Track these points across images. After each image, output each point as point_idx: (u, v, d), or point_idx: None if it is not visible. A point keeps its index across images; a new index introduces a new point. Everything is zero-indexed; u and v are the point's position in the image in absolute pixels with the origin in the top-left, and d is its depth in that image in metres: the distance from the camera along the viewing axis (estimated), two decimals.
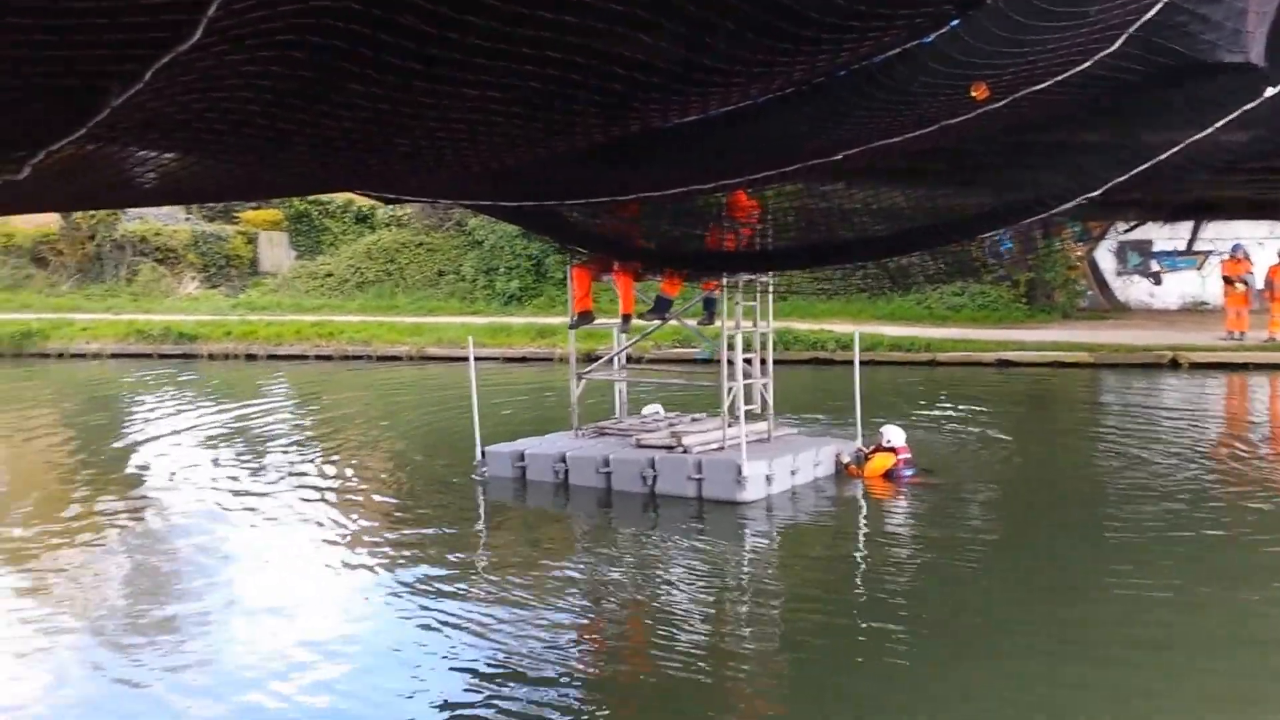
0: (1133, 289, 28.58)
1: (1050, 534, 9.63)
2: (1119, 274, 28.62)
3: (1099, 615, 7.36)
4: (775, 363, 19.40)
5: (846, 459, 11.67)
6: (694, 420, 12.10)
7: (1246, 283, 23.00)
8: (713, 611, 7.65)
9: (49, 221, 33.42)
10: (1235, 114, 6.97)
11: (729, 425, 11.06)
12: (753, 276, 11.15)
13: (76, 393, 20.88)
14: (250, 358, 24.82)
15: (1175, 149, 7.31)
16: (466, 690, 6.27)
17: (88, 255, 33.87)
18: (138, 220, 34.23)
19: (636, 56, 3.36)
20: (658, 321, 12.19)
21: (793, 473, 11.08)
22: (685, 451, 10.80)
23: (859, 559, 9.15)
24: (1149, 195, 9.39)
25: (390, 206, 31.68)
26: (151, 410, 17.86)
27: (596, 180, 6.46)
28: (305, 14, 2.74)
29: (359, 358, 24.06)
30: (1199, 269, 27.98)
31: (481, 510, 10.95)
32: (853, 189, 8.91)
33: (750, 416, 11.31)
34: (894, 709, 6.02)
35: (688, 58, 3.40)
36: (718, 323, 11.74)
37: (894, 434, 11.67)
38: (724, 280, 11.10)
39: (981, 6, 3.62)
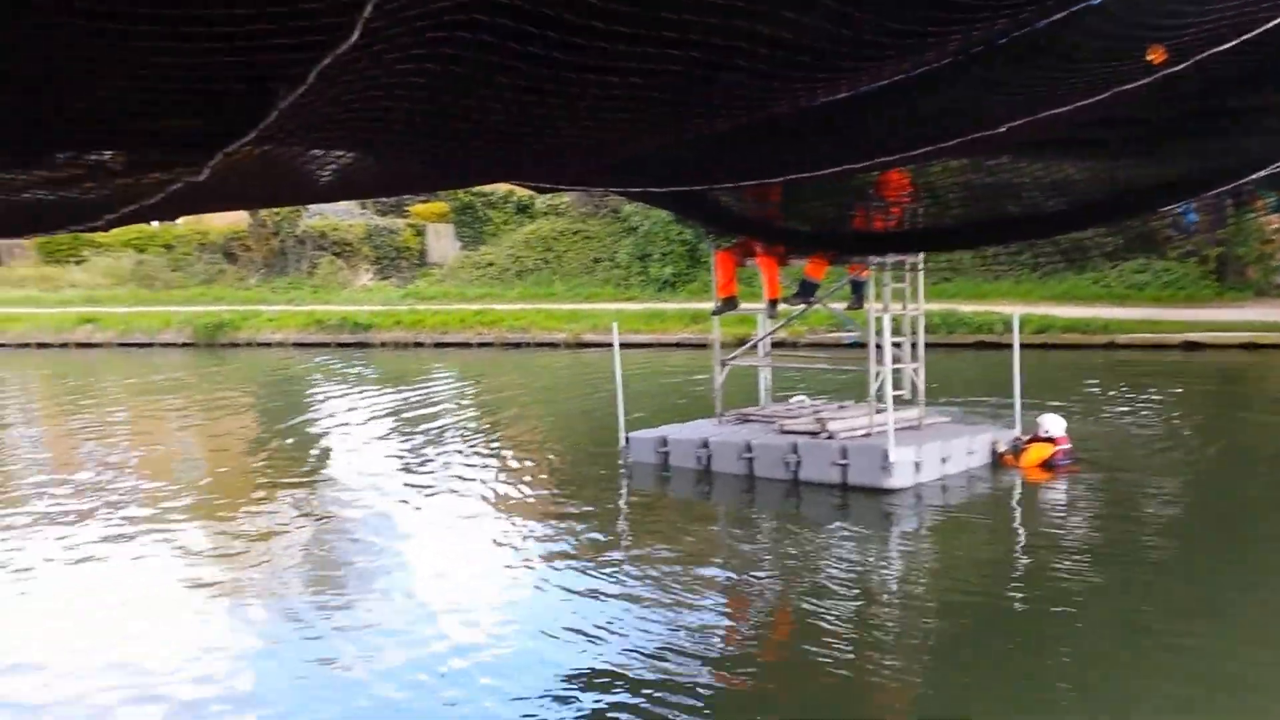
0: None
1: (1227, 535, 8.98)
2: None
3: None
4: (937, 346, 18.97)
5: (1003, 448, 11.29)
6: (841, 407, 11.93)
7: None
8: (857, 607, 7.42)
9: (239, 220, 35.38)
10: None
11: (877, 412, 10.83)
12: (902, 257, 10.86)
13: (263, 378, 22.08)
14: (418, 345, 25.71)
15: None
16: (599, 674, 6.30)
17: (273, 250, 35.68)
18: (317, 216, 35.89)
19: (783, 34, 3.32)
20: (803, 306, 12.02)
21: (943, 460, 10.78)
22: (830, 437, 10.63)
23: (1010, 555, 8.78)
24: None
25: (548, 196, 32.24)
26: (328, 394, 18.79)
27: (747, 162, 6.41)
28: (454, 10, 2.80)
29: (518, 344, 24.61)
30: None
31: (624, 496, 11.03)
32: (1021, 162, 8.58)
33: (900, 403, 11.06)
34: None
35: (836, 32, 3.33)
36: (867, 306, 11.51)
37: (1052, 423, 11.24)
38: (872, 262, 10.86)
39: None
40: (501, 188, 31.88)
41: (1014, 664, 6.35)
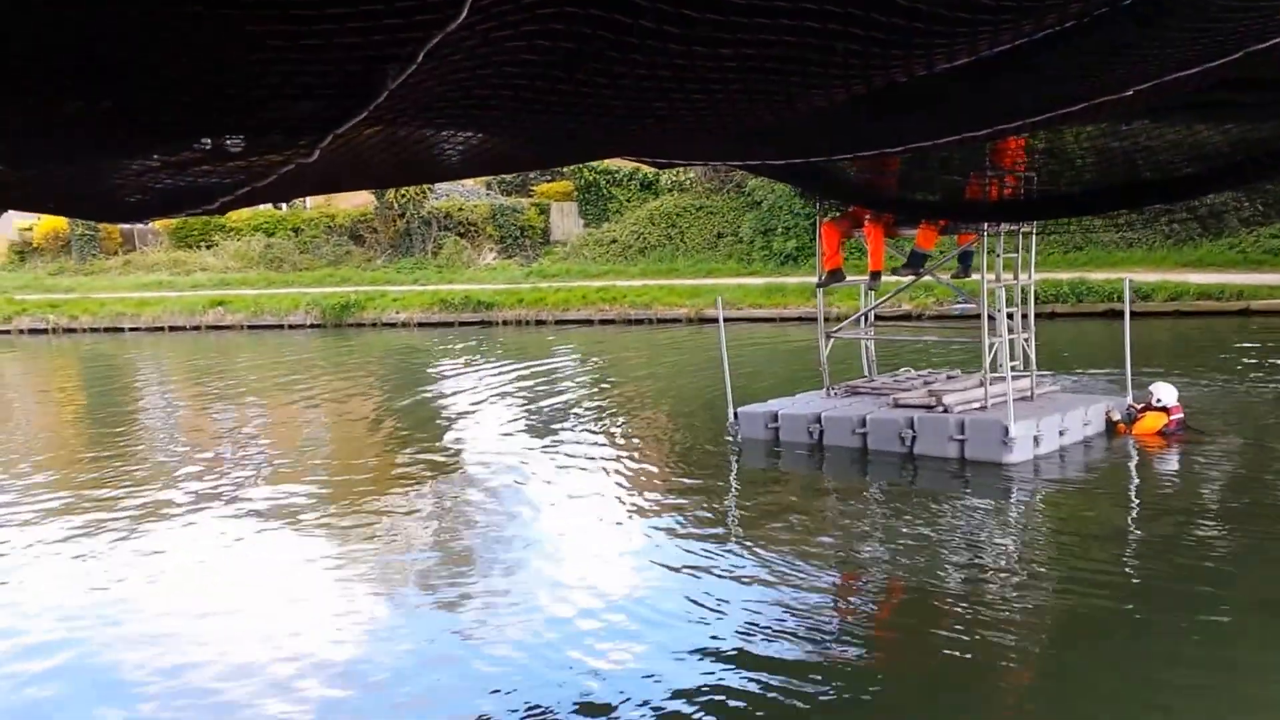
0: None
1: None
2: None
3: None
4: (1065, 316, 18.45)
5: (1116, 416, 11.03)
6: (949, 378, 11.68)
7: None
8: (978, 588, 7.23)
9: (366, 201, 36.23)
10: None
11: (990, 383, 10.56)
12: (1015, 226, 10.58)
13: (389, 358, 22.63)
14: (540, 323, 26.02)
15: None
16: (709, 655, 6.29)
17: (398, 231, 36.42)
18: (444, 198, 36.54)
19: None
20: (912, 277, 11.75)
21: (1061, 433, 10.52)
22: (945, 411, 10.41)
23: (1138, 530, 8.48)
24: None
25: (672, 172, 32.21)
26: (451, 372, 19.18)
27: (869, 131, 6.30)
28: None
29: (640, 321, 24.73)
30: None
31: (734, 472, 10.89)
32: (1159, 125, 8.25)
33: (1013, 373, 10.82)
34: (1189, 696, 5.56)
35: None
36: (975, 276, 11.23)
37: (1165, 392, 10.94)
38: (984, 231, 10.58)
39: None
40: (626, 165, 32.00)
41: (1145, 642, 6.14)
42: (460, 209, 36.21)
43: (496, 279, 31.16)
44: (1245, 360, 15.40)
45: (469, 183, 37.88)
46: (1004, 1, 3.38)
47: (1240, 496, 8.99)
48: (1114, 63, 4.90)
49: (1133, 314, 19.93)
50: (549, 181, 37.64)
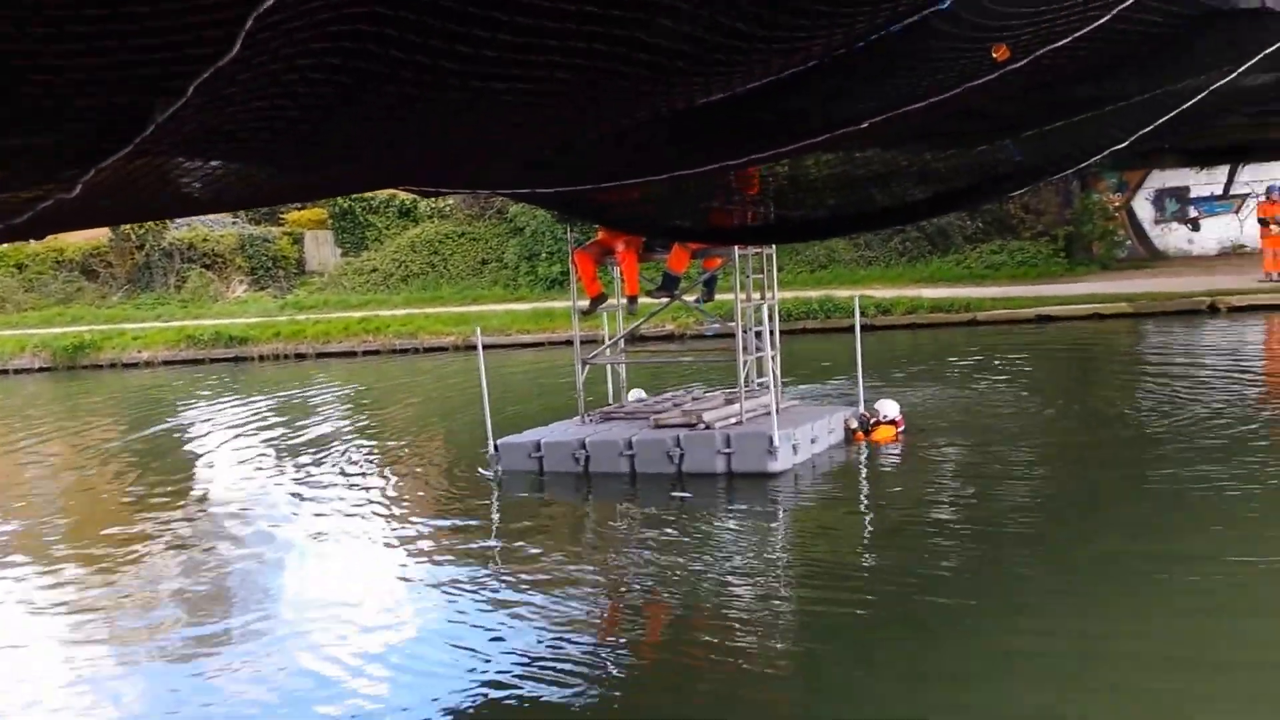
0: (1171, 236, 28.28)
1: (1080, 499, 9.45)
2: (1157, 222, 28.34)
3: (1126, 574, 7.31)
4: (814, 331, 19.58)
5: (854, 425, 11.83)
6: (695, 399, 12.11)
7: (1279, 223, 22.70)
8: (753, 594, 7.48)
9: (98, 234, 34.03)
10: (1258, 57, 6.98)
11: (745, 399, 11.10)
12: (759, 249, 11.24)
13: (127, 401, 21.31)
14: (300, 357, 25.22)
15: (1200, 96, 7.31)
16: (481, 689, 6.19)
17: (137, 265, 34.48)
18: (185, 228, 34.79)
19: (658, 40, 3.46)
20: (666, 299, 12.08)
21: (813, 441, 11.17)
22: (708, 427, 10.81)
23: (895, 528, 9.02)
24: (1177, 143, 9.32)
25: (432, 199, 31.97)
26: (199, 412, 18.34)
27: (628, 162, 6.56)
28: (338, 21, 2.87)
29: (405, 351, 24.39)
30: (1236, 213, 27.56)
31: (497, 506, 10.62)
32: (889, 152, 8.95)
33: (759, 389, 11.48)
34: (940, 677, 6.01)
35: (706, 38, 3.49)
36: (721, 297, 11.78)
37: (888, 407, 11.96)
38: (728, 255, 11.17)
39: None
40: (382, 192, 31.47)
41: (895, 646, 6.48)
42: (205, 239, 34.63)
43: (249, 312, 29.98)
44: (969, 364, 16.88)
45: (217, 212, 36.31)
46: (755, 44, 3.69)
47: (966, 487, 9.90)
48: (852, 97, 5.35)
49: (875, 327, 21.53)
50: (300, 209, 36.45)
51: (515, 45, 3.12)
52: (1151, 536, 8.02)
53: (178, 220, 34.71)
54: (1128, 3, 4.90)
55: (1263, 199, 23.96)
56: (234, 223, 36.36)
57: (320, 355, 24.97)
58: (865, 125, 6.02)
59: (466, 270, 31.40)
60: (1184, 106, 7.52)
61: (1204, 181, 27.62)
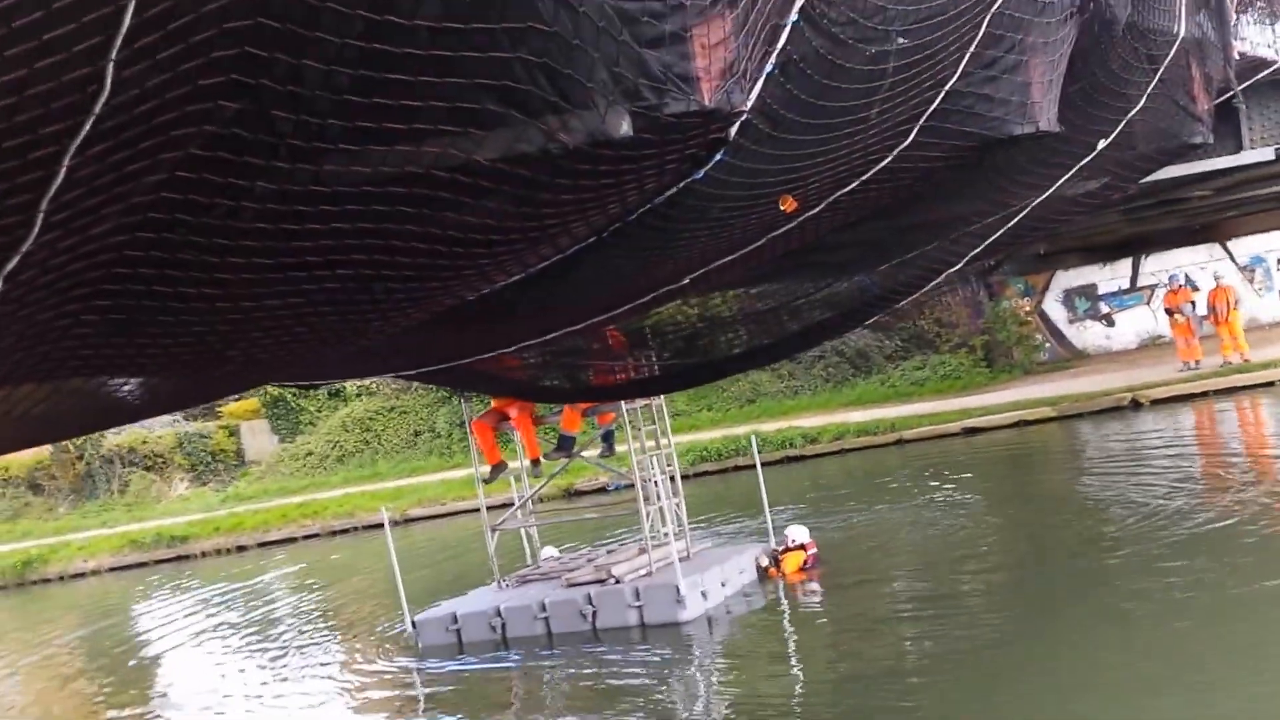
0: (1088, 334, 28.90)
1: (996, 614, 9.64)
2: (1071, 321, 28.97)
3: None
4: (745, 468, 19.85)
5: (765, 562, 12.02)
6: (609, 552, 12.29)
7: (1185, 312, 23.32)
8: None
9: (40, 450, 34.05)
10: (1074, 169, 7.53)
11: (651, 549, 11.25)
12: (647, 401, 11.56)
13: (67, 614, 20.96)
14: (241, 549, 25.04)
15: (1025, 211, 7.83)
16: None
17: (79, 475, 34.46)
18: (124, 433, 34.88)
19: (429, 244, 3.79)
20: (564, 460, 12.39)
21: (723, 584, 11.33)
22: (618, 582, 10.94)
23: (808, 668, 9.25)
24: (1025, 250, 9.87)
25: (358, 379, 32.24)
26: (133, 616, 18.19)
27: (476, 338, 6.88)
28: (94, 267, 3.18)
29: (345, 530, 24.30)
30: (1147, 303, 28.26)
31: (418, 684, 10.65)
32: (745, 291, 9.42)
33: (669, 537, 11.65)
34: None
35: (465, 237, 3.81)
36: (621, 448, 12.03)
37: (798, 532, 12.19)
38: (623, 408, 11.48)
39: (722, 151, 4.04)
40: None
41: None
42: (144, 441, 34.72)
43: (191, 510, 29.86)
44: (896, 486, 17.07)
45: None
46: (511, 235, 4.04)
47: (872, 610, 10.03)
48: (653, 260, 5.73)
49: (804, 457, 21.85)
50: (236, 401, 36.67)
51: (270, 266, 3.45)
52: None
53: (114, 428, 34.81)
54: (906, 143, 5.37)
55: (1166, 289, 24.76)
56: (174, 422, 36.48)
57: (261, 545, 24.81)
58: (686, 281, 6.44)
59: (401, 443, 31.52)
60: (1015, 220, 8.02)
61: (1110, 277, 28.55)
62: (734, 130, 3.96)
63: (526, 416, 11.62)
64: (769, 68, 3.95)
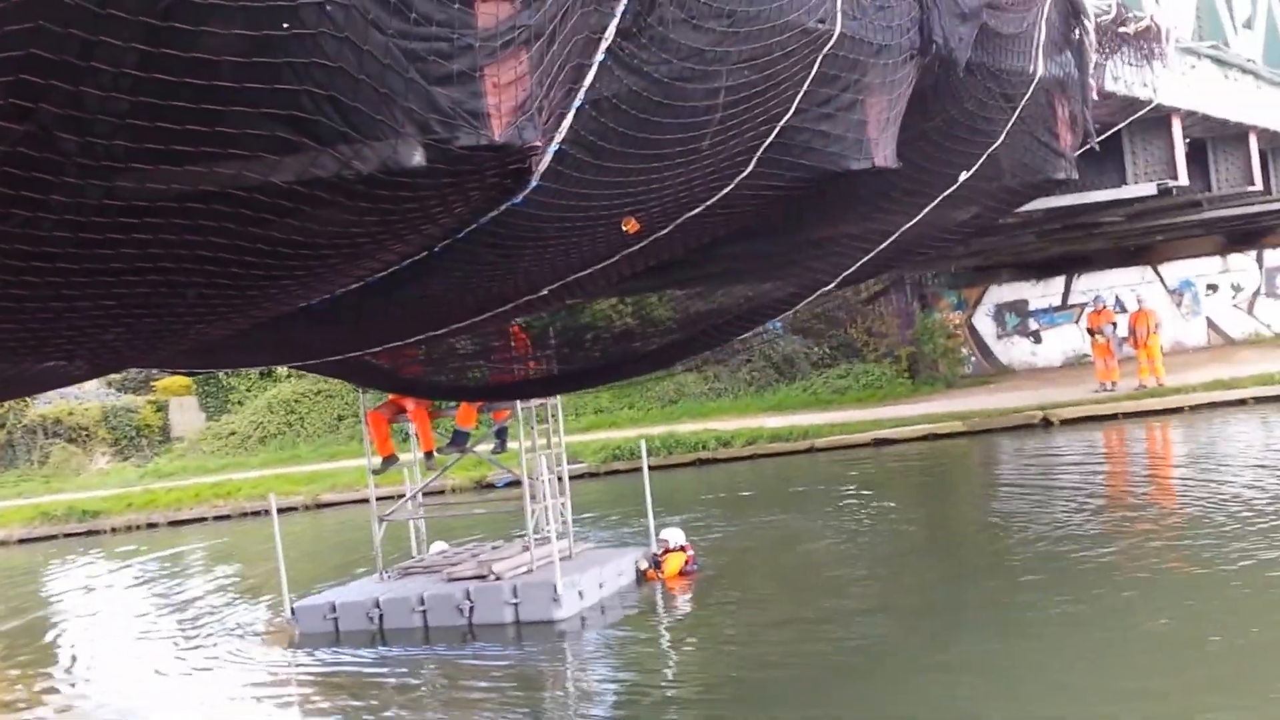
0: (1014, 350, 29.14)
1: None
2: (999, 337, 29.12)
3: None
4: (656, 468, 20.12)
5: (644, 565, 12.20)
6: (494, 548, 12.43)
7: (1105, 333, 23.79)
8: None
9: None
10: (939, 198, 7.80)
11: (536, 547, 11.41)
12: (542, 400, 11.74)
13: None
14: (151, 526, 24.88)
15: (894, 237, 8.09)
16: None
17: (0, 444, 34.09)
18: (48, 404, 34.50)
19: (239, 255, 3.93)
20: (457, 455, 12.56)
21: (600, 585, 11.51)
22: (498, 579, 11.10)
23: (677, 671, 9.49)
24: (911, 269, 10.15)
25: None
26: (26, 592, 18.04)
27: (351, 336, 7.02)
28: None
29: (256, 513, 24.19)
30: (1077, 322, 28.26)
31: (293, 667, 10.81)
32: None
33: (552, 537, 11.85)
34: None
35: (275, 250, 3.96)
36: (513, 445, 12.22)
37: (674, 535, 12.45)
38: (519, 406, 11.66)
39: (536, 179, 4.22)
40: None
41: None
42: (70, 413, 34.35)
43: (109, 484, 29.53)
44: (796, 493, 17.48)
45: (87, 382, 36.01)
46: (325, 254, 4.19)
47: (750, 616, 10.30)
48: (506, 273, 5.91)
49: (716, 460, 22.12)
50: (170, 376, 36.37)
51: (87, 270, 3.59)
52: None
53: (40, 396, 34.39)
54: (747, 171, 5.57)
55: (1091, 309, 25.22)
56: (101, 393, 36.13)
57: (172, 523, 24.65)
58: (546, 291, 6.62)
59: (324, 427, 31.42)
60: (886, 244, 8.26)
61: (1042, 294, 28.88)
62: (543, 162, 4.16)
63: (423, 410, 11.77)
64: (577, 103, 4.15)
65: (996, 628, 8.71)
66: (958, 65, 6.14)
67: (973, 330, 29.26)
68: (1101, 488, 15.74)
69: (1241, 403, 20.59)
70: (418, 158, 3.57)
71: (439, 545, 13.23)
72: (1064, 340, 28.81)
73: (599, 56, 4.17)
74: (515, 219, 4.79)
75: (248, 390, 33.96)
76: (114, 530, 25.17)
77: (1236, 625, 8.22)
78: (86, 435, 34.42)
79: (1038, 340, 29.16)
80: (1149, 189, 10.25)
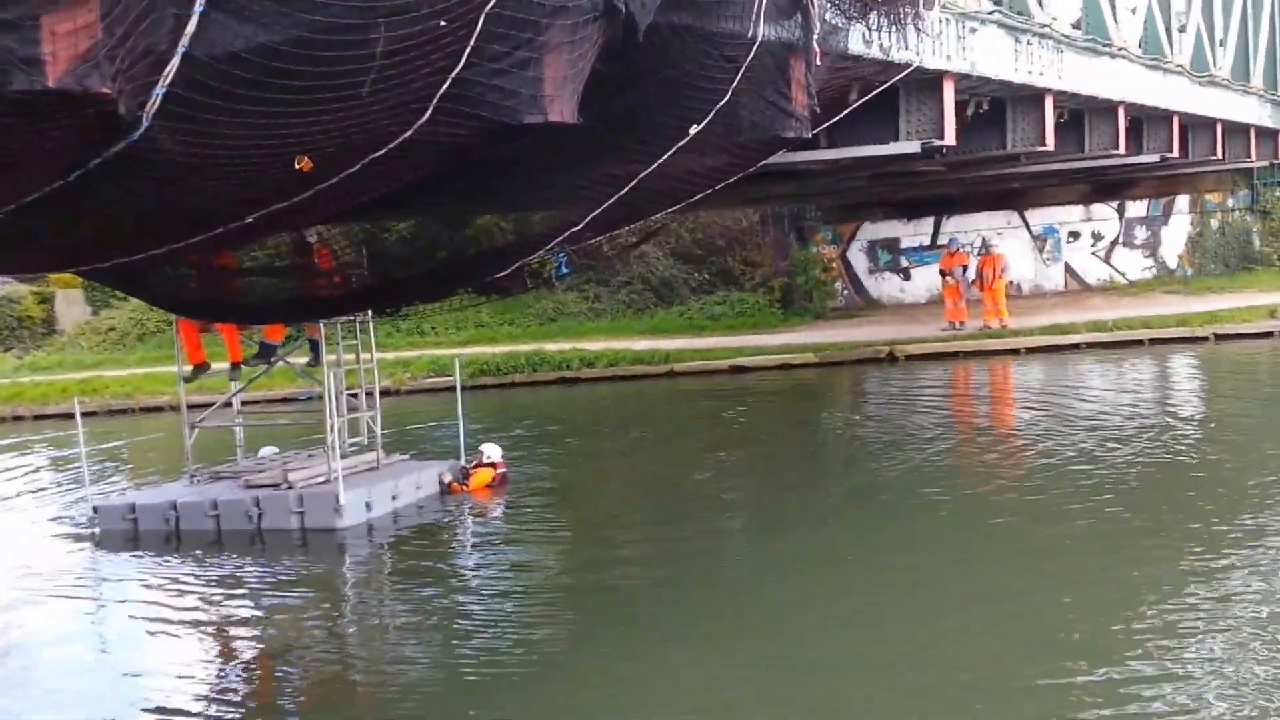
0: (885, 285, 29.95)
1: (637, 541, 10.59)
2: (871, 272, 29.90)
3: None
4: (522, 385, 20.56)
5: (449, 478, 12.68)
6: (309, 457, 12.89)
7: (955, 275, 24.70)
8: (311, 631, 8.51)
9: None
10: (674, 149, 8.18)
11: (339, 458, 11.85)
12: (350, 318, 12.05)
13: None
14: (17, 419, 24.81)
15: (634, 182, 8.46)
16: None
17: None
18: None
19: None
20: (265, 366, 12.95)
21: (394, 497, 12.06)
22: (290, 488, 11.59)
23: (456, 570, 10.20)
24: (649, 215, 10.56)
25: None
26: None
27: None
28: None
29: (123, 411, 24.26)
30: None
31: (91, 566, 11.24)
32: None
33: (363, 448, 12.45)
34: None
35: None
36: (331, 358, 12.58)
37: (491, 450, 12.87)
38: (324, 323, 11.95)
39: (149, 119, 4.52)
40: None
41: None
42: None
43: None
44: (646, 416, 18.14)
45: None
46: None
47: (548, 523, 11.20)
48: (176, 201, 6.18)
49: (580, 380, 22.63)
50: None
51: None
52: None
53: None
54: (424, 119, 5.88)
55: (945, 251, 25.99)
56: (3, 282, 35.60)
57: (38, 418, 24.60)
58: (250, 220, 6.90)
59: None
60: (629, 187, 8.63)
61: (913, 233, 29.65)
62: (152, 105, 4.47)
63: (232, 321, 11.98)
64: (181, 49, 4.43)
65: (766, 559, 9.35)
66: (639, 28, 6.46)
67: (847, 264, 29.96)
68: (932, 417, 16.58)
69: (1075, 347, 21.54)
70: None
71: (268, 450, 13.55)
72: (930, 278, 29.22)
73: (198, 7, 4.44)
74: (151, 154, 5.02)
75: None
76: None
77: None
78: None
79: (907, 277, 29.94)
80: (913, 147, 10.73)
